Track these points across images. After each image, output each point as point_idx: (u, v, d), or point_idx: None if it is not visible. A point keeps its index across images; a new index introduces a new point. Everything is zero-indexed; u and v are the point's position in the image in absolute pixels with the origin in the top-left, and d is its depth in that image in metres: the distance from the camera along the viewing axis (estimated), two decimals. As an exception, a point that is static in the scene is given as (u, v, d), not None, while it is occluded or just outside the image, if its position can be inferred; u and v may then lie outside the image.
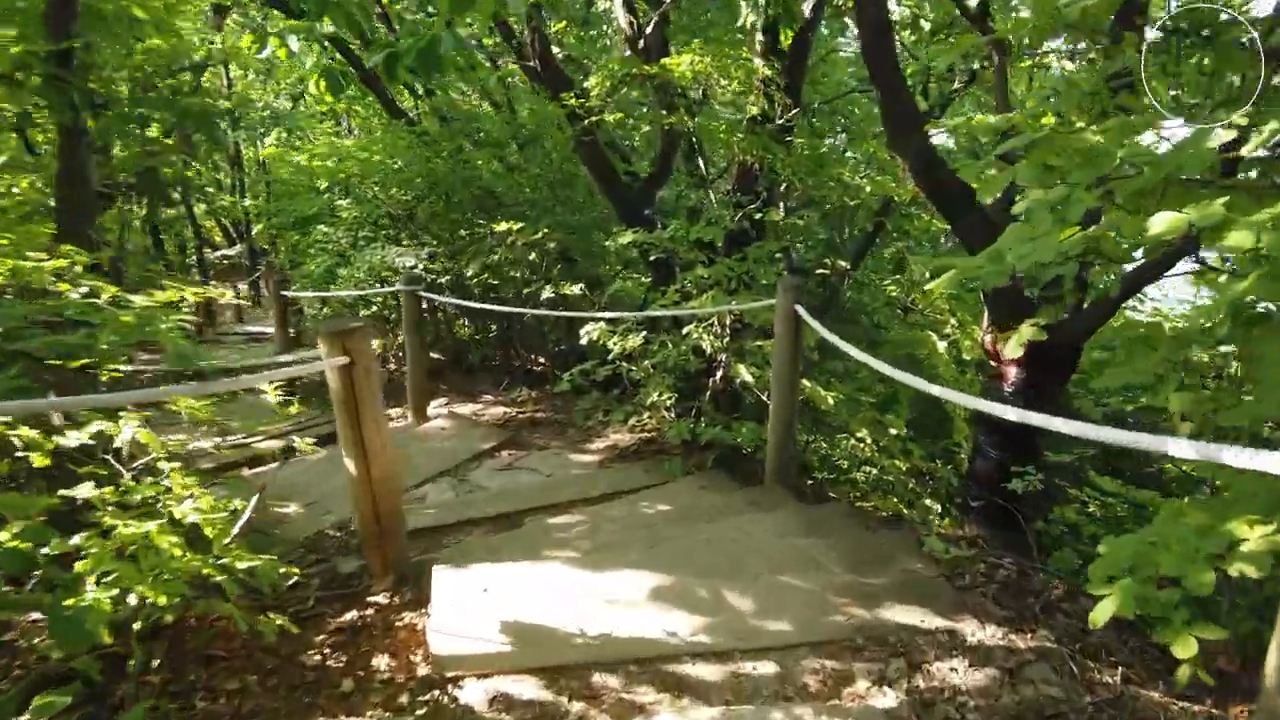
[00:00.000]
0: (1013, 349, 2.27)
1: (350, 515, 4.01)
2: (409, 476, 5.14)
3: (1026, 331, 2.24)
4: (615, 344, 5.32)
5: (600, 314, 5.41)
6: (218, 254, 20.52)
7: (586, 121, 5.60)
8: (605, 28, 10.54)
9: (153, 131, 7.42)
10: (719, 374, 5.29)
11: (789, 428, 4.32)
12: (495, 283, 6.75)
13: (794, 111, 5.87)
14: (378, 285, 7.16)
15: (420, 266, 6.89)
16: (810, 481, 5.17)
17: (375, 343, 8.91)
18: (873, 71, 4.57)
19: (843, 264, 6.78)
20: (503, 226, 6.12)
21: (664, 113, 5.82)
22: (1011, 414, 2.04)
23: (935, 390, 2.70)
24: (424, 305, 6.84)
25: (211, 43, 10.07)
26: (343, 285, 7.45)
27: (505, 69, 8.53)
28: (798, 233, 6.46)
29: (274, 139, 12.09)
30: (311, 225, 8.74)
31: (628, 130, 7.48)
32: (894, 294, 8.02)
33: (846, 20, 8.33)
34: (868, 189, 6.32)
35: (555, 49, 7.84)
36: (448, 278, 6.90)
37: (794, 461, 4.51)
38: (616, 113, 5.78)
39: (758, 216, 5.38)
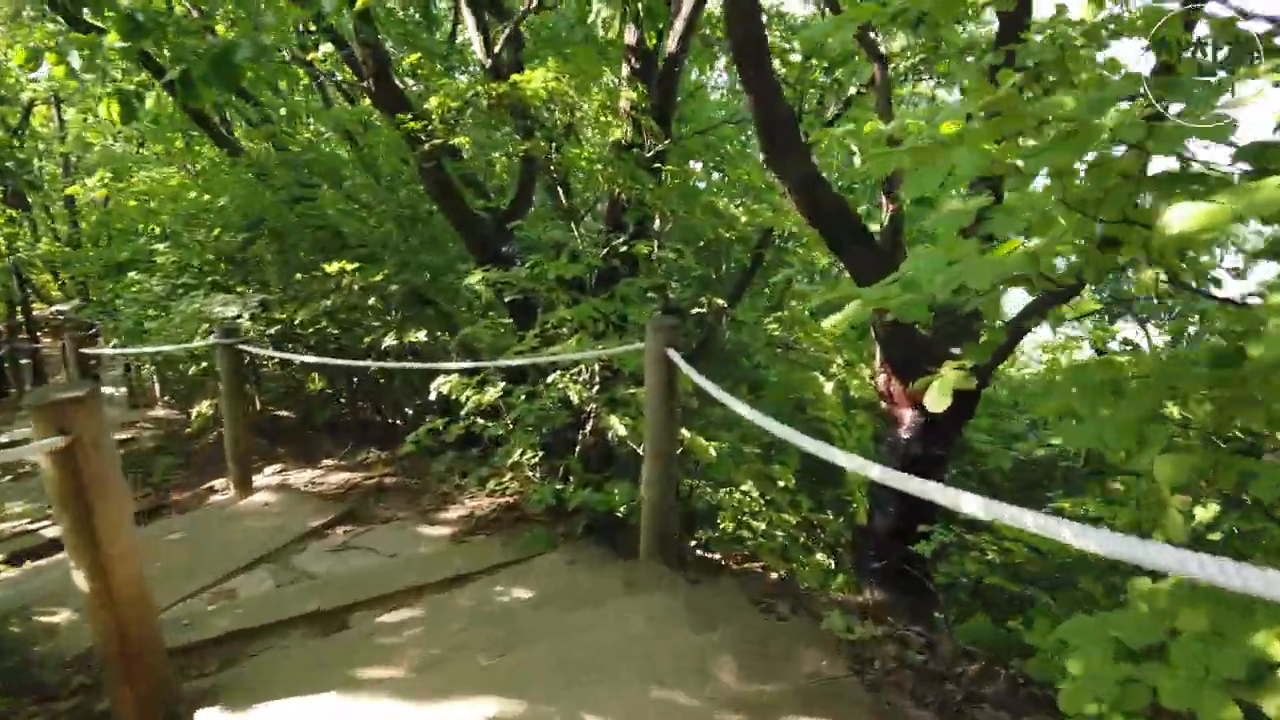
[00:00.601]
0: (937, 399, 1.76)
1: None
2: (219, 565, 4.27)
3: (952, 378, 1.75)
4: (470, 397, 4.63)
5: (450, 365, 4.70)
6: (53, 309, 18.70)
7: (428, 146, 4.92)
8: (470, 64, 10.02)
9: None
10: (589, 427, 4.68)
11: (667, 484, 3.73)
12: (335, 331, 5.92)
13: (666, 141, 5.43)
14: (201, 338, 6.20)
15: (247, 316, 5.98)
16: (694, 543, 4.61)
17: (206, 403, 7.92)
18: (749, 90, 4.13)
19: (719, 302, 6.32)
20: (335, 268, 5.33)
21: (519, 138, 5.24)
22: (945, 500, 1.49)
23: (826, 452, 2.13)
24: (250, 360, 5.97)
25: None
26: (155, 339, 6.43)
27: (361, 100, 7.80)
28: (672, 268, 5.97)
29: (96, 180, 10.83)
30: (126, 273, 7.65)
31: (483, 161, 6.84)
32: (775, 332, 7.61)
33: (716, 51, 8.07)
34: (743, 219, 5.89)
35: (412, 81, 7.16)
36: (279, 328, 6.01)
37: (674, 515, 3.91)
38: (464, 138, 5.14)
39: (623, 251, 4.83)
